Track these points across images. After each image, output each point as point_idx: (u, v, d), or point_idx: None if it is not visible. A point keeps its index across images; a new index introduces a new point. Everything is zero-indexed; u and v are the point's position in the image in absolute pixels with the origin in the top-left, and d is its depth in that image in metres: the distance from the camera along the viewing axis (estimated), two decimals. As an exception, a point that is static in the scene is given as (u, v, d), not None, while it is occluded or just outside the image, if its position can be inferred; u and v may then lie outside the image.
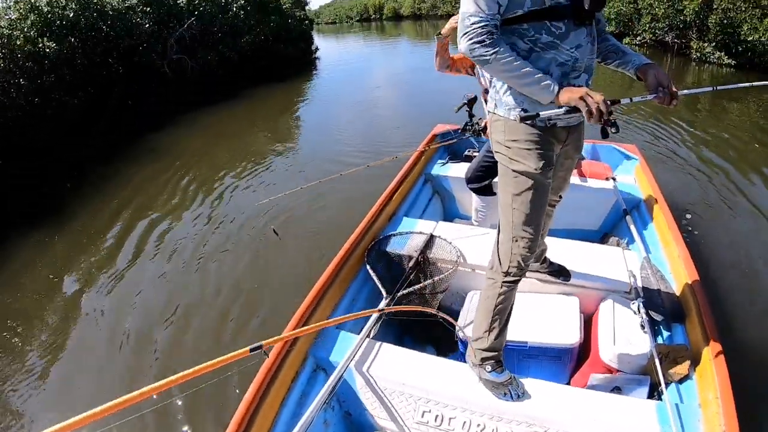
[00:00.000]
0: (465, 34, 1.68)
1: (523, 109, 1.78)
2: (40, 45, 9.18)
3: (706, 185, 5.65)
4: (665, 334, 2.43)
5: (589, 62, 1.79)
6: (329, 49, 23.86)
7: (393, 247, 2.97)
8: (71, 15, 10.27)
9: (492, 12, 1.65)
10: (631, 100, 1.78)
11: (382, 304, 2.55)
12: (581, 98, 1.59)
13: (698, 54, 13.77)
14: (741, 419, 1.75)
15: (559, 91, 1.65)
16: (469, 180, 3.50)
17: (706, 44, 13.50)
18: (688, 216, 4.75)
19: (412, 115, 9.26)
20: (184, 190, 6.57)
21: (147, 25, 12.46)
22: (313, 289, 2.47)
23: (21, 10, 9.48)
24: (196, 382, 1.59)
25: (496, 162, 3.39)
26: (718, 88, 1.98)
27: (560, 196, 2.31)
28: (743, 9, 12.14)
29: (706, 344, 2.09)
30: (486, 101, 3.43)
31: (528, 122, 1.76)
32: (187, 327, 3.75)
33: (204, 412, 2.94)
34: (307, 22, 21.51)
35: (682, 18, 14.10)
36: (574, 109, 1.62)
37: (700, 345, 2.14)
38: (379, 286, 2.66)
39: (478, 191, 3.55)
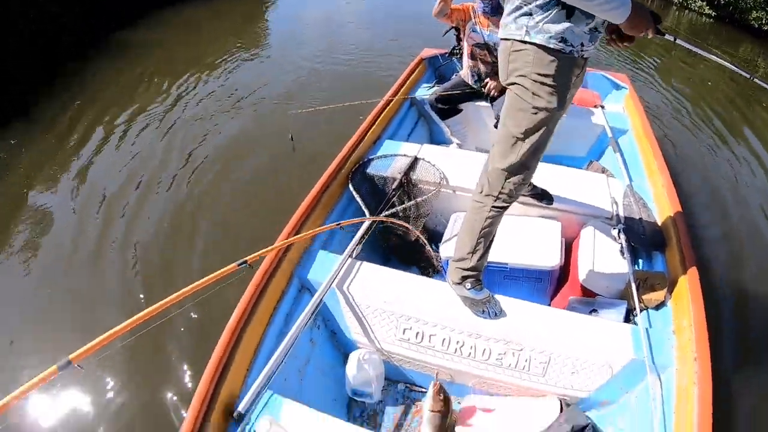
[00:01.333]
0: None
1: (563, 38, 1.67)
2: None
3: (694, 121, 5.65)
4: (644, 261, 2.46)
5: None
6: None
7: (377, 169, 2.92)
8: None
9: None
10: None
11: (365, 225, 2.53)
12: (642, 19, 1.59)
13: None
14: (713, 348, 1.78)
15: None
16: (437, 100, 3.53)
17: None
18: (675, 148, 4.76)
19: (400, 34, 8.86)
20: (156, 90, 6.29)
21: None
22: (297, 210, 2.44)
23: None
24: (182, 301, 1.57)
25: (468, 94, 3.29)
26: (678, 40, 1.90)
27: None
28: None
29: (684, 273, 2.12)
30: (471, 58, 3.43)
31: (565, 53, 1.67)
32: (163, 241, 3.71)
33: (190, 331, 2.96)
34: None
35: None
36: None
37: (677, 273, 2.17)
38: (363, 207, 2.64)
39: (441, 113, 3.60)
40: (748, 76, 1.79)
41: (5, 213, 4.05)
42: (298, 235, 2.26)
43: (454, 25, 3.45)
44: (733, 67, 1.87)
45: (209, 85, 6.44)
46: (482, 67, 3.43)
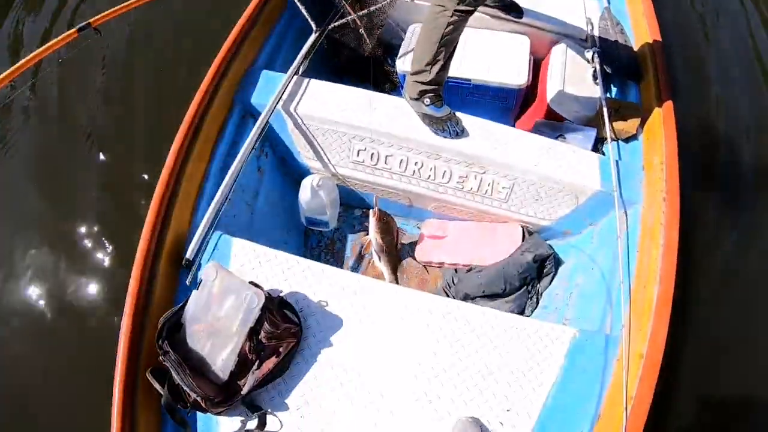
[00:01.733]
0: None
1: None
2: None
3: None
4: (618, 89, 2.32)
5: None
6: None
7: (324, -26, 2.56)
8: None
9: None
10: None
11: (312, 39, 2.26)
12: None
13: None
14: (683, 188, 1.72)
15: None
16: None
17: None
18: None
19: None
20: None
21: None
22: (233, 30, 2.13)
23: None
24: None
25: None
26: None
27: None
28: None
29: (659, 107, 1.99)
30: None
31: None
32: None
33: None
34: None
35: None
36: None
37: (652, 106, 2.04)
38: (309, 19, 2.32)
39: None
40: None
41: None
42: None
43: None
44: None
45: None
46: None
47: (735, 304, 2.43)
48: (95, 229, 2.57)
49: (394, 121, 1.98)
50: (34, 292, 2.42)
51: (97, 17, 1.49)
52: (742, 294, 2.47)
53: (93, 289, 2.42)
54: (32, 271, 2.46)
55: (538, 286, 2.05)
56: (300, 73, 2.14)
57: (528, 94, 2.41)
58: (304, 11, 2.33)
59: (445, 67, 1.89)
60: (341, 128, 2.01)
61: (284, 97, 2.05)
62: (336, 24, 2.36)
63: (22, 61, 1.35)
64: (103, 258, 2.50)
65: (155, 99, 2.99)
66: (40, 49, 1.39)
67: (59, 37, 1.45)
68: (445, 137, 1.92)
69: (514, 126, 2.38)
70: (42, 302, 2.39)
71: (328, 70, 2.58)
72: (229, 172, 1.82)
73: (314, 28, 2.31)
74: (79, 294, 2.42)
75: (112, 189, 2.72)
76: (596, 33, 2.39)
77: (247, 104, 2.10)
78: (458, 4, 1.75)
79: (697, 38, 3.81)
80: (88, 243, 2.54)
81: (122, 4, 1.56)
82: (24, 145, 2.84)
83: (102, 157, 2.80)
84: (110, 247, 2.52)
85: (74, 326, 2.35)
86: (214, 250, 1.70)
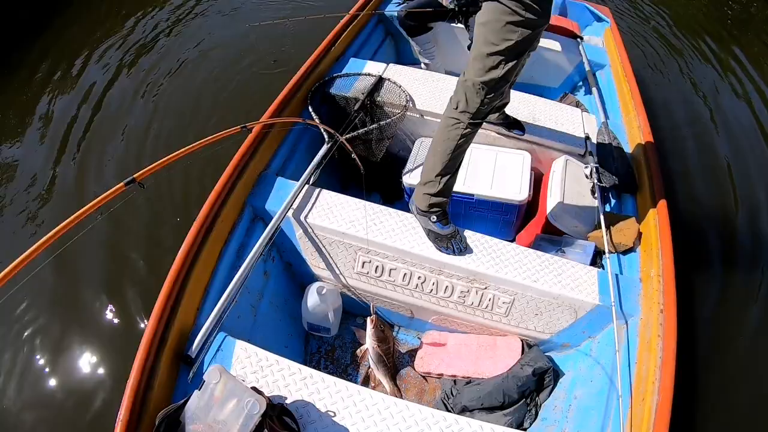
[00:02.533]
0: None
1: None
2: None
3: (674, 62, 5.50)
4: (615, 202, 2.39)
5: None
6: None
7: (339, 89, 2.70)
8: None
9: None
10: None
11: (324, 149, 2.35)
12: None
13: None
14: (680, 299, 1.75)
15: None
16: (406, 16, 3.25)
17: None
18: (652, 88, 4.61)
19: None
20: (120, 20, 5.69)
21: None
22: (249, 135, 2.22)
23: None
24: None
25: (440, 13, 3.10)
26: None
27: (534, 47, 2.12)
28: None
29: (655, 220, 2.06)
30: None
31: None
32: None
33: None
34: None
35: None
36: None
37: (648, 219, 2.11)
38: (322, 130, 2.42)
39: (410, 30, 3.34)
40: None
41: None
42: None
43: None
44: None
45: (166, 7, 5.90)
46: None
47: (737, 415, 2.44)
48: (101, 317, 2.62)
49: (399, 235, 2.03)
50: (33, 374, 2.44)
51: (141, 171, 1.55)
52: (747, 403, 2.48)
53: (94, 375, 2.43)
54: (35, 353, 2.49)
55: (537, 398, 2.04)
56: (311, 182, 2.21)
57: (529, 208, 2.46)
58: (318, 122, 2.43)
59: (453, 177, 1.97)
60: (348, 240, 2.06)
61: (295, 205, 2.10)
62: (348, 136, 2.44)
63: (74, 215, 1.40)
64: (107, 344, 2.52)
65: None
66: (92, 202, 1.44)
67: (108, 192, 1.49)
68: (449, 254, 1.97)
69: (515, 239, 2.46)
70: (41, 384, 2.41)
71: (338, 178, 2.67)
72: (237, 274, 1.84)
73: (326, 138, 2.40)
74: (79, 378, 2.43)
75: (120, 280, 2.77)
76: (594, 148, 2.48)
77: (258, 208, 2.15)
78: (472, 117, 1.87)
79: (695, 148, 3.97)
80: (92, 329, 2.58)
81: (165, 158, 1.63)
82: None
83: (111, 252, 2.89)
84: (114, 335, 2.55)
85: (73, 412, 2.34)
86: (217, 350, 1.70)
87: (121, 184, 1.51)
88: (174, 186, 3.22)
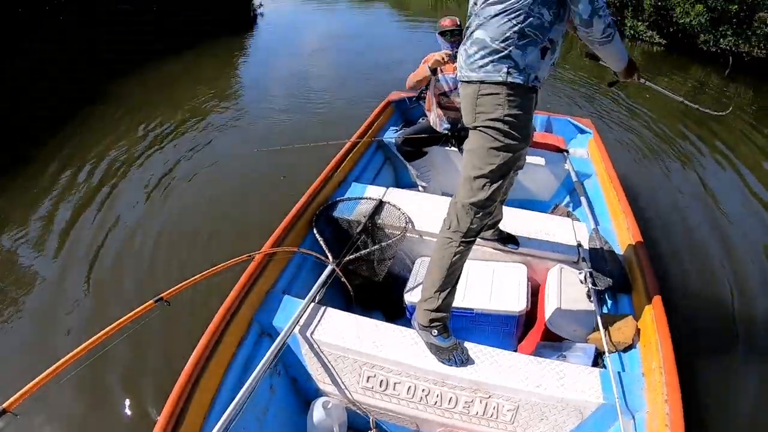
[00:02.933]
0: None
1: (536, 77, 1.86)
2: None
3: (656, 162, 5.77)
4: (611, 303, 2.45)
5: None
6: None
7: (341, 212, 2.88)
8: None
9: None
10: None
11: (328, 270, 2.47)
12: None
13: (632, 32, 14.38)
14: (684, 389, 1.75)
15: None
16: (403, 143, 3.56)
17: (639, 23, 14.11)
18: (638, 190, 4.82)
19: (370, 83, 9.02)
20: (134, 135, 6.33)
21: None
22: (256, 257, 2.36)
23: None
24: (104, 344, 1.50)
25: (435, 138, 3.39)
26: (647, 83, 2.25)
27: (521, 167, 2.30)
28: (678, -8, 12.65)
29: (651, 315, 2.10)
30: (439, 107, 3.50)
31: (536, 88, 1.88)
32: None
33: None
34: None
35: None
36: None
37: (644, 315, 2.15)
38: (326, 251, 2.57)
39: (407, 155, 3.61)
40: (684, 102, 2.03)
41: None
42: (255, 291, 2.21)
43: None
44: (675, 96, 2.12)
45: (182, 133, 6.46)
46: (452, 114, 3.45)
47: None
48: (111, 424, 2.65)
49: (402, 350, 2.09)
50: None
51: (169, 291, 1.68)
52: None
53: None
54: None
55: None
56: (317, 300, 2.30)
57: (529, 317, 2.51)
58: (322, 244, 2.59)
59: (451, 293, 2.05)
60: (353, 355, 2.11)
61: (301, 321, 2.17)
62: (350, 257, 2.57)
63: (102, 332, 1.49)
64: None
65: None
66: (124, 318, 1.54)
67: (138, 309, 1.61)
68: (451, 365, 2.01)
69: (517, 349, 2.49)
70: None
71: (341, 296, 2.74)
72: (243, 387, 1.86)
73: (331, 259, 2.53)
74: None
75: (131, 390, 2.81)
76: (587, 254, 2.58)
77: (265, 325, 2.22)
78: (463, 236, 1.99)
79: (683, 245, 4.12)
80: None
81: (190, 279, 1.74)
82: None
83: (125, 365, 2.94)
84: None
85: None
86: None
87: (151, 301, 1.63)
88: (186, 303, 3.32)
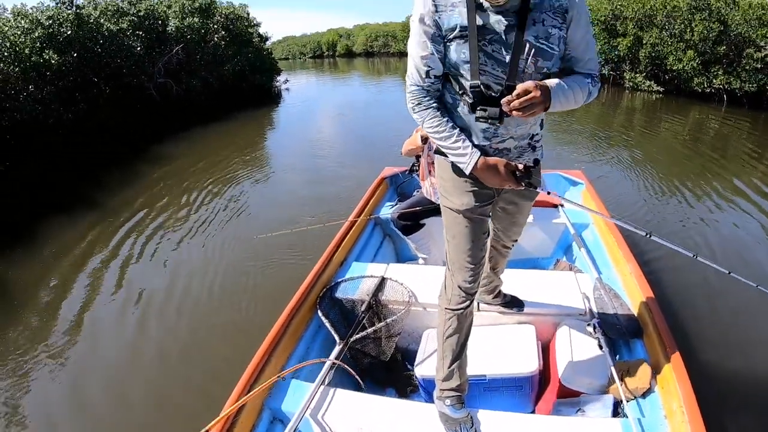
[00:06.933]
0: (407, 96, 1.76)
1: None
2: (46, 56, 10.27)
3: (653, 200, 5.82)
4: (624, 350, 2.41)
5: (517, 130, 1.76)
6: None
7: (344, 292, 2.89)
8: (69, 32, 11.17)
9: (421, 79, 1.69)
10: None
11: (336, 351, 2.47)
12: (492, 176, 1.72)
13: (631, 83, 15.48)
14: (707, 426, 1.73)
15: (476, 165, 1.71)
16: (399, 217, 3.61)
17: (637, 75, 15.19)
18: (636, 237, 4.82)
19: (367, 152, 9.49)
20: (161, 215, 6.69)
21: (138, 48, 13.08)
22: (264, 341, 2.38)
23: (28, 24, 10.49)
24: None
25: (430, 210, 3.46)
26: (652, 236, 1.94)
27: (515, 241, 2.32)
28: (669, 43, 13.56)
29: (665, 356, 2.08)
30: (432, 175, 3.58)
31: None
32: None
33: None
34: (272, 55, 21.52)
35: (616, 53, 15.64)
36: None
37: (659, 358, 2.13)
38: (333, 332, 2.58)
39: (404, 230, 3.65)
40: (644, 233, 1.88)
41: None
42: (263, 378, 2.22)
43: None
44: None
45: (205, 203, 7.04)
46: None
47: None
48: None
49: (416, 427, 2.05)
50: None
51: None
52: None
53: None
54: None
55: None
56: (326, 383, 2.28)
57: (542, 376, 2.47)
58: (328, 326, 2.60)
59: (458, 363, 2.05)
60: None
61: (312, 405, 2.15)
62: (357, 336, 2.57)
63: None
64: None
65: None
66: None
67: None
68: None
69: (534, 410, 2.43)
70: None
71: (351, 376, 2.69)
72: None
73: (338, 341, 2.53)
74: None
75: None
76: (593, 305, 2.58)
77: (276, 410, 2.20)
78: (448, 303, 2.03)
79: (688, 282, 4.08)
80: None
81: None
82: None
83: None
84: None
85: None
86: None
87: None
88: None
